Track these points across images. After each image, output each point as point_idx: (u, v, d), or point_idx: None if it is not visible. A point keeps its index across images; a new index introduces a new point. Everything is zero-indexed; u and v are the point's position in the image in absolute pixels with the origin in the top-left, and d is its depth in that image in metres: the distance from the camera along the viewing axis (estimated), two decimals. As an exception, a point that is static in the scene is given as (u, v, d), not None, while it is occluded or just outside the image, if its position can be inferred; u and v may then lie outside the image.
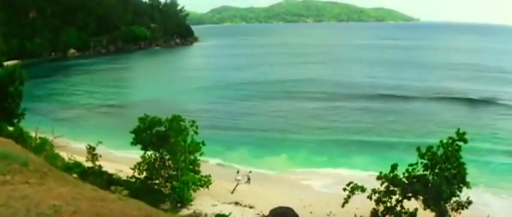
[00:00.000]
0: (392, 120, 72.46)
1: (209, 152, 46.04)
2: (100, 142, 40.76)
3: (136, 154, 44.69)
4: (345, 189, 32.85)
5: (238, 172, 47.95)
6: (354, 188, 32.49)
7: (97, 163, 38.40)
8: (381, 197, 32.53)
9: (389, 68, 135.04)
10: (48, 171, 9.75)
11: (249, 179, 47.44)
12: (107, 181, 36.29)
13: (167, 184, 39.87)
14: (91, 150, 38.69)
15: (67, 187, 8.94)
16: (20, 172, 8.92)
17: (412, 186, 31.89)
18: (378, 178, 32.84)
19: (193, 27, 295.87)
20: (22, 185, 8.28)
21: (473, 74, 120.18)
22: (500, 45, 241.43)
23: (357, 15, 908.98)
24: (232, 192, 43.63)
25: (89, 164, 38.97)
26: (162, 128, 40.17)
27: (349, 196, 32.49)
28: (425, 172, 32.11)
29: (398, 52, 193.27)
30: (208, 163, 49.54)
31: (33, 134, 47.69)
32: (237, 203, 41.02)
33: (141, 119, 40.70)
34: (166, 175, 40.31)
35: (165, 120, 40.07)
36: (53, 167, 12.61)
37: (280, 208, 35.19)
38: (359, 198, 33.30)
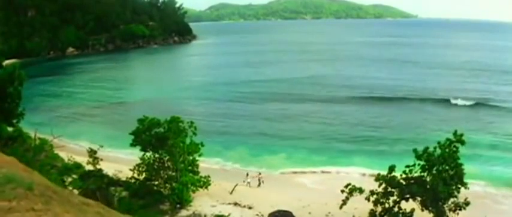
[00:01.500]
0: (392, 121, 71.67)
1: (208, 152, 45.97)
2: (101, 146, 40.81)
3: (131, 153, 45.06)
4: (343, 191, 33.05)
5: (247, 174, 47.95)
6: (352, 189, 32.69)
7: (98, 167, 38.45)
8: (379, 198, 32.70)
9: (389, 67, 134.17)
10: (52, 194, 9.78)
11: (259, 181, 47.42)
12: (107, 183, 36.44)
13: (166, 185, 40.06)
14: (92, 153, 38.75)
15: (72, 212, 9.05)
16: (25, 198, 8.96)
17: (410, 187, 32.04)
18: (376, 179, 33.03)
19: (191, 25, 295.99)
20: (28, 212, 8.34)
21: (474, 73, 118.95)
22: (500, 42, 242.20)
23: (355, 12, 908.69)
24: (231, 193, 43.83)
25: (90, 167, 39.01)
26: (161, 129, 40.35)
27: (347, 198, 32.71)
28: (422, 174, 32.27)
29: (398, 50, 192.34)
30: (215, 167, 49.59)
31: (32, 135, 47.91)
32: (236, 204, 41.26)
33: (140, 120, 40.90)
34: (166, 176, 40.53)
35: (164, 122, 40.24)
36: (58, 188, 12.67)
37: (279, 211, 35.45)
38: (357, 198, 33.50)
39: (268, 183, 47.87)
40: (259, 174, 48.11)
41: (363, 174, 47.94)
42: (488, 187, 45.45)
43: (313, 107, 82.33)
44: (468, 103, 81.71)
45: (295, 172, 50.04)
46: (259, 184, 47.25)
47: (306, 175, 49.56)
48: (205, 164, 46.66)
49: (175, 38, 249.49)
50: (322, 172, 50.49)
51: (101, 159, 39.44)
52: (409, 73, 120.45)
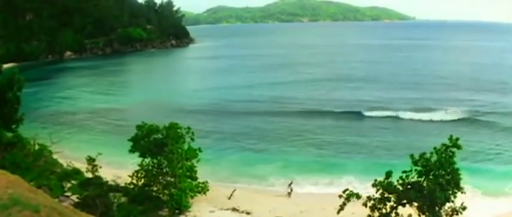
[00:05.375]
0: (386, 133, 69.98)
1: (203, 160, 45.64)
2: (99, 154, 40.97)
3: (130, 159, 45.21)
4: (340, 196, 33.25)
5: (291, 183, 46.90)
6: (349, 195, 32.85)
7: (96, 174, 38.64)
8: (376, 204, 32.90)
9: (391, 71, 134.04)
10: (58, 216, 9.99)
11: (291, 190, 46.37)
12: (107, 190, 36.67)
13: (165, 191, 40.23)
14: (91, 161, 38.93)
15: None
16: (32, 220, 9.12)
17: (407, 192, 32.25)
18: (373, 185, 33.15)
19: (188, 28, 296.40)
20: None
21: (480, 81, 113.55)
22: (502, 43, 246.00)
23: (353, 14, 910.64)
24: (229, 198, 44.01)
25: (88, 174, 39.19)
26: (160, 136, 40.65)
27: (344, 203, 32.91)
28: (419, 179, 32.48)
29: (401, 53, 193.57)
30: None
31: (31, 140, 48.11)
32: (234, 209, 41.46)
33: (138, 127, 41.26)
34: (164, 182, 40.70)
35: (163, 128, 40.58)
36: (63, 207, 12.88)
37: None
38: (355, 204, 33.73)
39: (266, 188, 48.14)
40: (291, 183, 46.98)
41: (359, 180, 47.52)
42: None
43: (311, 114, 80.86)
44: (472, 116, 77.21)
45: (293, 179, 49.80)
46: (289, 194, 46.32)
47: (304, 181, 49.31)
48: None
49: (173, 41, 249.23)
50: (320, 178, 50.11)
51: (100, 167, 39.58)
52: (415, 82, 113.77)
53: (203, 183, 42.56)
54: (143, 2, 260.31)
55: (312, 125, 74.17)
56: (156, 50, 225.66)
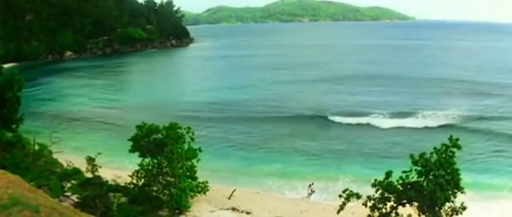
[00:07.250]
0: (389, 135, 68.76)
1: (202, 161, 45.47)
2: (99, 154, 40.97)
3: (129, 157, 45.21)
4: (340, 196, 33.28)
5: (312, 184, 46.55)
6: (349, 195, 32.88)
7: (96, 174, 38.66)
8: (376, 204, 32.90)
9: (391, 73, 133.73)
10: (58, 216, 9.99)
11: (311, 191, 46.01)
12: (107, 190, 36.67)
13: (165, 191, 40.23)
14: (91, 161, 38.93)
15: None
16: (32, 220, 9.11)
17: (407, 192, 32.27)
18: (373, 185, 33.17)
19: (189, 28, 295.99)
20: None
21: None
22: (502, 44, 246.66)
23: (353, 14, 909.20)
24: (229, 198, 44.02)
25: (88, 174, 39.21)
26: (160, 135, 40.62)
27: (344, 203, 32.93)
28: (419, 179, 32.48)
29: (401, 54, 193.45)
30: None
31: (31, 140, 48.17)
32: (234, 209, 41.45)
33: (138, 127, 41.18)
34: (164, 182, 40.67)
35: (163, 128, 40.55)
36: (63, 208, 12.88)
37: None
38: (354, 204, 33.75)
39: (266, 189, 48.08)
40: (312, 184, 46.55)
41: (359, 181, 47.29)
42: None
43: (308, 117, 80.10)
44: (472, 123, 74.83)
45: (292, 180, 49.60)
46: (309, 195, 46.04)
47: (304, 182, 49.01)
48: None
49: (173, 41, 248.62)
50: (320, 179, 49.92)
51: (100, 166, 39.55)
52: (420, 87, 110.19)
53: (203, 183, 42.51)
54: (143, 2, 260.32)
55: (311, 127, 73.88)
56: (156, 50, 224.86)
